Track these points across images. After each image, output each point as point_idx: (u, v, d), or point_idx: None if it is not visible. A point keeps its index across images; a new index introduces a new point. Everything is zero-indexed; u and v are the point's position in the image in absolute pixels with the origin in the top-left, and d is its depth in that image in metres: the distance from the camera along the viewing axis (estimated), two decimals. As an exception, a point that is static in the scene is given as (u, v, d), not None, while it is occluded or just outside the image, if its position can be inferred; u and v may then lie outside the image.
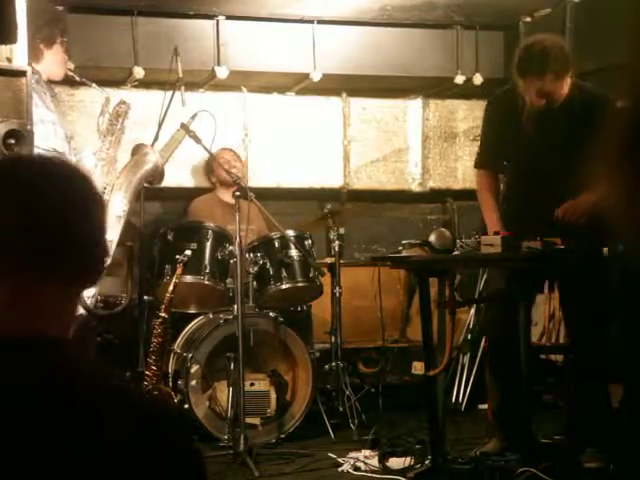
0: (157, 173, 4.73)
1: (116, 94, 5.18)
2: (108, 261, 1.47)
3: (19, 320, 1.32)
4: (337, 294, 5.40)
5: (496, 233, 3.90)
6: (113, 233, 4.38)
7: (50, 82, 4.64)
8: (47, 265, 1.34)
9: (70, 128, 4.92)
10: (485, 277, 5.87)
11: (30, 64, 4.20)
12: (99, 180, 4.44)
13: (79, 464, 1.20)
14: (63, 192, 1.39)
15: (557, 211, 4.04)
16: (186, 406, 4.78)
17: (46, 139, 4.20)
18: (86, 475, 1.20)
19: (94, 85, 4.68)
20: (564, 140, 4.11)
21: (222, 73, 5.96)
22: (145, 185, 4.82)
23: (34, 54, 4.36)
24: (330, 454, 4.57)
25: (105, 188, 4.44)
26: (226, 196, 5.86)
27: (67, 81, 4.99)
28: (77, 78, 4.67)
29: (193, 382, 4.85)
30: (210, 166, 5.98)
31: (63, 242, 1.35)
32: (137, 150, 4.92)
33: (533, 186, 4.22)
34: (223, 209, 5.74)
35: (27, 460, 1.20)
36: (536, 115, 4.16)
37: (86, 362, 1.39)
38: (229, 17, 5.98)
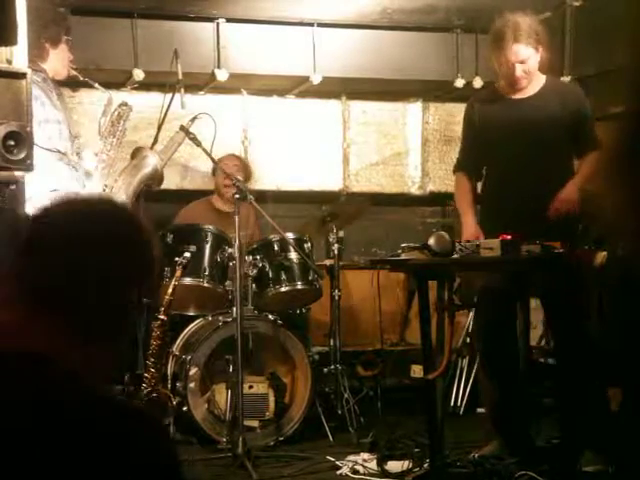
0: (156, 176, 4.73)
1: (116, 96, 5.17)
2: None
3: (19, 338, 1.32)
4: (336, 297, 5.40)
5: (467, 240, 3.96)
6: None
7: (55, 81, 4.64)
8: (62, 305, 1.36)
9: (75, 127, 4.93)
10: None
11: (35, 62, 4.21)
12: (99, 182, 4.44)
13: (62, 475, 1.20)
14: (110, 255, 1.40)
15: (549, 212, 4.10)
16: (185, 408, 4.78)
17: (50, 139, 4.20)
18: None
19: (97, 85, 4.68)
20: (541, 134, 4.21)
21: (222, 76, 5.96)
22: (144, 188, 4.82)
23: (39, 53, 4.36)
24: (329, 457, 4.57)
25: (104, 190, 4.44)
26: (219, 203, 5.86)
27: (68, 83, 4.99)
28: (80, 77, 4.66)
29: (192, 384, 4.84)
30: (214, 173, 5.99)
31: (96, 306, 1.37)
32: (137, 153, 4.92)
33: (513, 181, 4.28)
34: (217, 216, 5.73)
35: (16, 471, 1.20)
36: (513, 109, 4.28)
37: (76, 377, 1.37)
38: (229, 20, 5.99)
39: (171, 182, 6.20)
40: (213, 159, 5.04)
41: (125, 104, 4.68)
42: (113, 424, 1.26)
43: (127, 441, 1.25)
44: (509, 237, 3.77)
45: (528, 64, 4.20)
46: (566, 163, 4.33)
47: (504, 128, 4.30)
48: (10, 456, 1.20)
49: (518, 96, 4.30)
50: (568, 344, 4.22)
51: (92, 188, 4.39)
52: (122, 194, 4.47)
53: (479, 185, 4.56)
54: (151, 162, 4.69)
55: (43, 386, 1.26)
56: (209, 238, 5.09)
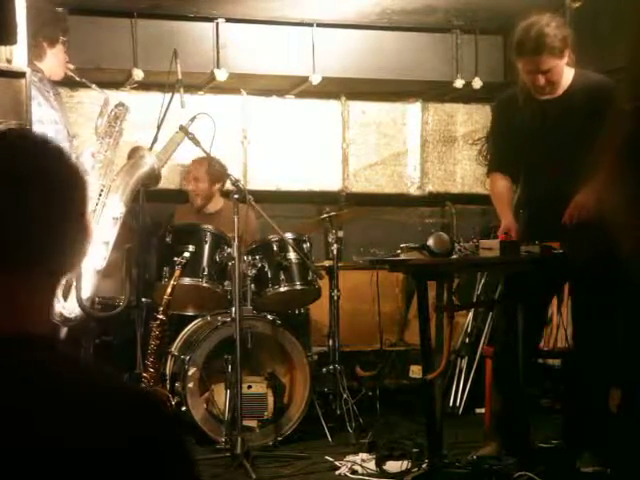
0: (153, 176, 4.72)
1: (115, 96, 5.17)
2: (90, 241, 1.37)
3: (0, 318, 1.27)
4: (335, 297, 5.40)
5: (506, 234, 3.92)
6: (109, 235, 4.38)
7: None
8: (28, 258, 1.27)
9: (72, 127, 4.92)
10: (483, 281, 5.88)
11: (32, 62, 4.21)
12: (96, 182, 4.43)
13: (69, 462, 1.19)
14: (42, 175, 1.28)
15: (564, 219, 3.98)
16: (183, 408, 4.78)
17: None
18: (76, 473, 1.19)
19: (94, 86, 4.68)
20: (570, 134, 4.07)
21: (221, 76, 5.97)
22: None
23: (37, 52, 4.36)
24: (327, 457, 4.57)
25: (102, 190, 4.44)
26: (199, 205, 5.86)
27: (66, 82, 4.99)
28: (77, 78, 4.66)
29: (191, 384, 4.84)
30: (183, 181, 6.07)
31: (44, 232, 1.27)
32: (134, 153, 4.92)
33: (547, 185, 4.17)
34: (203, 218, 5.70)
35: (18, 459, 1.19)
36: (541, 110, 4.16)
37: (75, 360, 1.34)
38: (229, 20, 5.99)
39: (171, 182, 6.20)
40: (213, 159, 5.04)
41: (122, 104, 4.67)
42: (116, 407, 1.25)
43: (130, 422, 1.24)
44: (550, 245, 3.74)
45: (552, 73, 4.05)
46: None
47: (532, 130, 4.19)
48: (16, 447, 1.20)
49: (546, 96, 4.14)
50: (592, 344, 4.16)
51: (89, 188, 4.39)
52: (119, 194, 4.46)
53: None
54: (148, 161, 4.68)
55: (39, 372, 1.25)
56: (208, 238, 5.09)
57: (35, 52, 4.31)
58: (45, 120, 4.25)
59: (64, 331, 4.36)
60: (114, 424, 1.22)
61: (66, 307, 4.22)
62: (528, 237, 3.96)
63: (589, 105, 4.05)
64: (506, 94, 4.47)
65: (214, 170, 5.66)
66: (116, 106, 4.66)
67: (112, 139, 4.57)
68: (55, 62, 4.54)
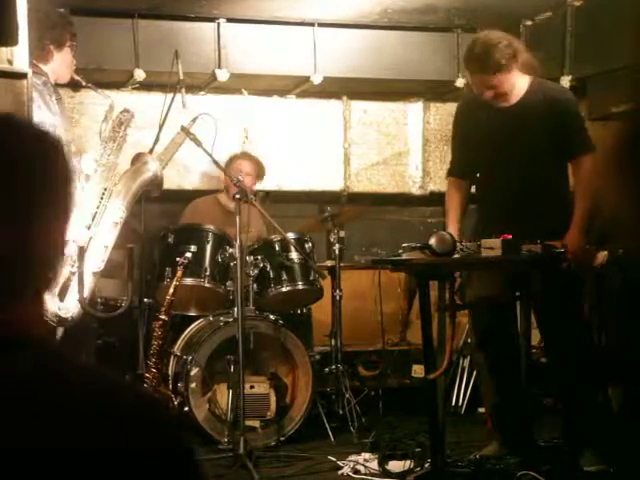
0: (156, 182, 4.72)
1: (117, 97, 5.17)
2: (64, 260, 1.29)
3: None
4: (337, 297, 5.40)
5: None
6: (109, 239, 4.38)
7: (56, 85, 4.63)
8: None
9: (72, 132, 4.92)
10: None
11: (37, 65, 4.20)
12: (98, 185, 4.43)
13: (67, 465, 1.19)
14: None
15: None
16: (186, 409, 4.78)
17: None
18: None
19: (100, 91, 4.67)
20: (526, 141, 4.19)
21: (223, 76, 5.96)
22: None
23: (43, 55, 4.35)
24: (330, 457, 4.57)
25: (104, 193, 4.44)
26: (224, 199, 5.86)
27: (68, 83, 4.99)
28: (83, 83, 4.65)
29: (193, 385, 4.85)
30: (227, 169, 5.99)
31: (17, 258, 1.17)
32: (137, 159, 4.91)
33: (502, 187, 4.28)
34: (223, 213, 5.75)
35: (13, 461, 1.18)
36: (497, 116, 4.24)
37: (71, 360, 1.29)
38: (230, 20, 5.99)
39: (171, 182, 6.19)
40: (214, 159, 5.04)
41: (127, 111, 4.65)
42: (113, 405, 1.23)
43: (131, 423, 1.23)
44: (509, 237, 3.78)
45: (500, 87, 4.14)
46: (555, 167, 4.28)
47: (488, 136, 4.29)
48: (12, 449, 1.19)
49: (502, 104, 4.23)
50: (559, 345, 4.21)
51: (91, 191, 4.39)
52: (121, 198, 4.46)
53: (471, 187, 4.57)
54: (151, 168, 4.68)
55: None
56: (210, 238, 5.10)
57: (41, 55, 4.31)
58: (43, 123, 4.24)
59: (61, 331, 4.36)
60: (112, 431, 1.21)
61: (62, 308, 4.22)
62: (482, 234, 4.06)
63: (544, 112, 4.16)
64: (465, 98, 4.61)
65: (258, 165, 5.92)
66: (121, 112, 4.65)
67: (116, 144, 4.56)
68: (62, 65, 4.53)
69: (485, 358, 4.41)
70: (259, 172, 5.94)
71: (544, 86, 4.30)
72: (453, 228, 4.31)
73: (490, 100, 4.19)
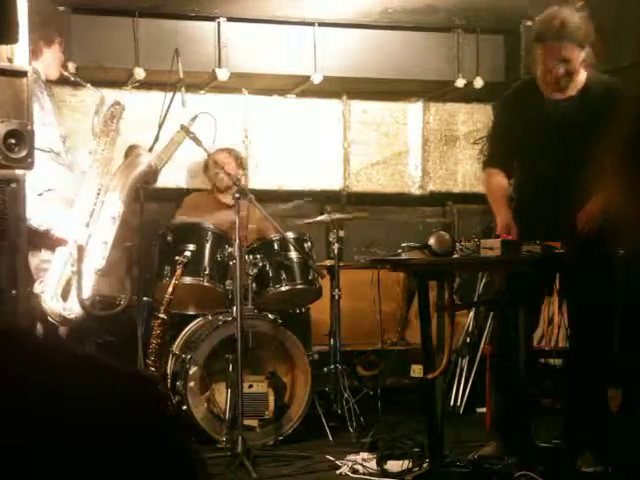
0: (150, 174, 4.71)
1: (117, 95, 5.17)
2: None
3: None
4: (336, 296, 5.40)
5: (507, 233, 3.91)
6: (108, 235, 4.37)
7: (48, 81, 4.63)
8: None
9: (65, 127, 4.91)
10: (484, 280, 5.87)
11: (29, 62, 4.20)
12: (94, 181, 4.42)
13: (63, 461, 1.18)
14: None
15: (578, 228, 3.94)
16: (184, 407, 4.78)
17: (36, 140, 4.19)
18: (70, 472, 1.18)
19: (88, 85, 4.67)
20: (583, 134, 3.97)
21: (223, 75, 5.97)
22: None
23: (33, 52, 4.35)
24: (328, 456, 4.57)
25: (100, 189, 4.43)
26: (220, 196, 5.87)
27: (69, 82, 4.99)
28: (72, 78, 4.66)
29: (191, 384, 4.84)
30: (206, 170, 6.00)
31: None
32: (130, 151, 4.91)
33: (547, 184, 4.14)
34: (220, 207, 5.75)
35: (10, 458, 1.18)
36: (554, 108, 4.11)
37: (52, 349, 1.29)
38: (230, 19, 5.99)
39: (171, 182, 6.20)
40: (207, 159, 5.04)
41: (118, 103, 4.64)
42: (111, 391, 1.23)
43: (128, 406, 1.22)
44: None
45: (572, 63, 3.98)
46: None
47: (539, 130, 4.14)
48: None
49: (557, 96, 4.09)
50: (589, 344, 4.15)
51: (87, 188, 4.38)
52: (118, 192, 4.45)
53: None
54: (144, 160, 4.65)
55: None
56: (209, 237, 5.09)
57: (32, 52, 4.31)
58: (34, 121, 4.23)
59: (63, 331, 4.36)
60: (111, 421, 1.20)
61: (66, 307, 4.22)
62: (525, 235, 3.94)
63: (604, 107, 3.95)
64: (515, 88, 4.40)
65: (237, 154, 5.91)
66: (113, 105, 4.64)
67: (109, 138, 4.55)
68: (51, 62, 4.53)
69: (498, 360, 4.37)
70: (237, 162, 5.88)
71: (599, 80, 4.14)
72: (505, 212, 4.12)
73: (553, 81, 4.01)
